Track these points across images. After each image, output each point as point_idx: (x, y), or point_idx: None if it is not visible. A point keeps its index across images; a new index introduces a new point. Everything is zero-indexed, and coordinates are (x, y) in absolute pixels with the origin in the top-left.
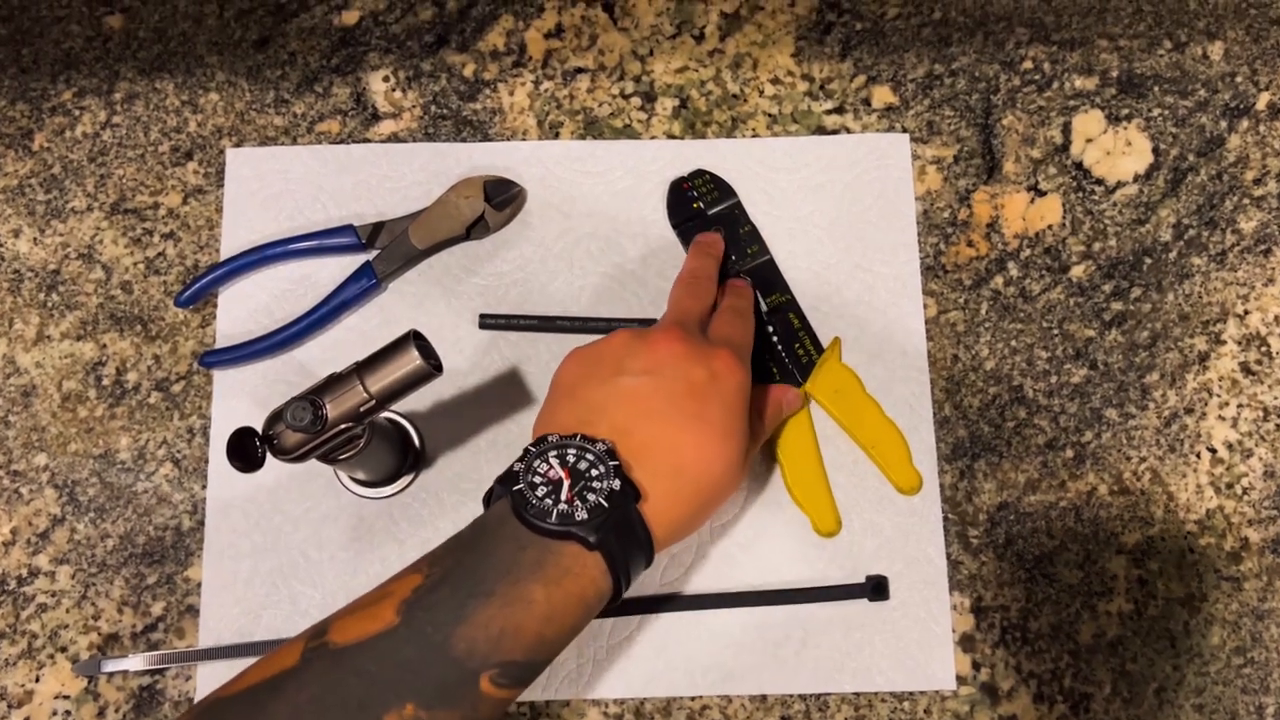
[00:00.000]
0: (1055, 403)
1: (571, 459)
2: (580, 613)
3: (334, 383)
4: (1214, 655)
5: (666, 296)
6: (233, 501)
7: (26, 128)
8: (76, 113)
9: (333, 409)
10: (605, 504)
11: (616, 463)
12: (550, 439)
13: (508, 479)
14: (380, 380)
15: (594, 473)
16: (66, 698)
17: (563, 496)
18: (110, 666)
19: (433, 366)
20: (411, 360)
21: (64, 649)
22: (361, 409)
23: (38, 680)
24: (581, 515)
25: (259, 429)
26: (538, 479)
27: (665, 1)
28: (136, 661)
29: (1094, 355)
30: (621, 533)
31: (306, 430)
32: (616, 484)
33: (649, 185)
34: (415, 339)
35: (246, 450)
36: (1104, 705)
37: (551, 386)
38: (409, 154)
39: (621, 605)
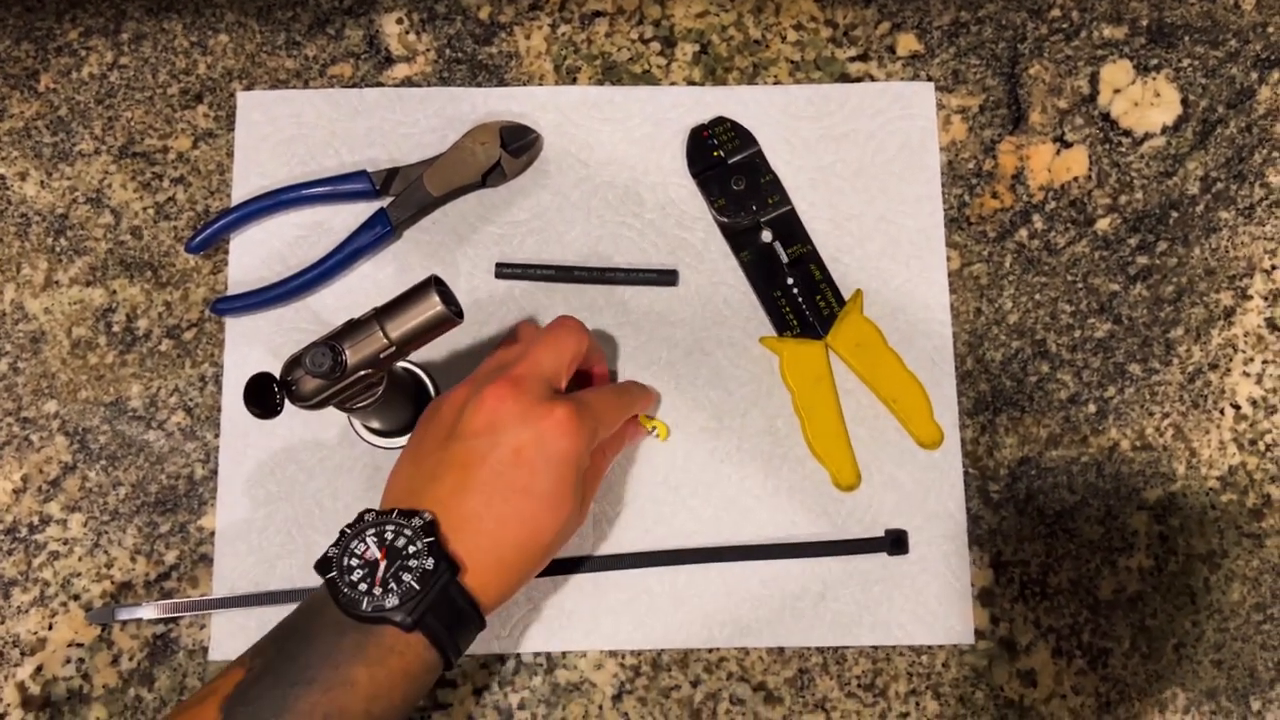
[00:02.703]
0: (1078, 357)
1: (390, 536)
2: (408, 687)
3: (353, 328)
4: (1234, 611)
5: (686, 247)
6: (246, 450)
7: (32, 68)
8: (83, 53)
9: (352, 355)
10: (417, 586)
11: (432, 539)
12: (366, 518)
13: (323, 565)
14: (401, 326)
15: (410, 549)
16: (80, 645)
17: (376, 580)
18: (124, 615)
19: (454, 312)
20: (433, 306)
21: (77, 597)
22: (381, 355)
23: (50, 628)
24: (393, 601)
25: (274, 374)
26: (354, 562)
27: None
28: (150, 610)
29: (1118, 310)
30: (441, 610)
31: (326, 376)
32: (430, 563)
33: (668, 133)
34: (436, 284)
35: (264, 396)
36: (1123, 660)
37: (409, 439)
38: (423, 99)
39: (638, 558)
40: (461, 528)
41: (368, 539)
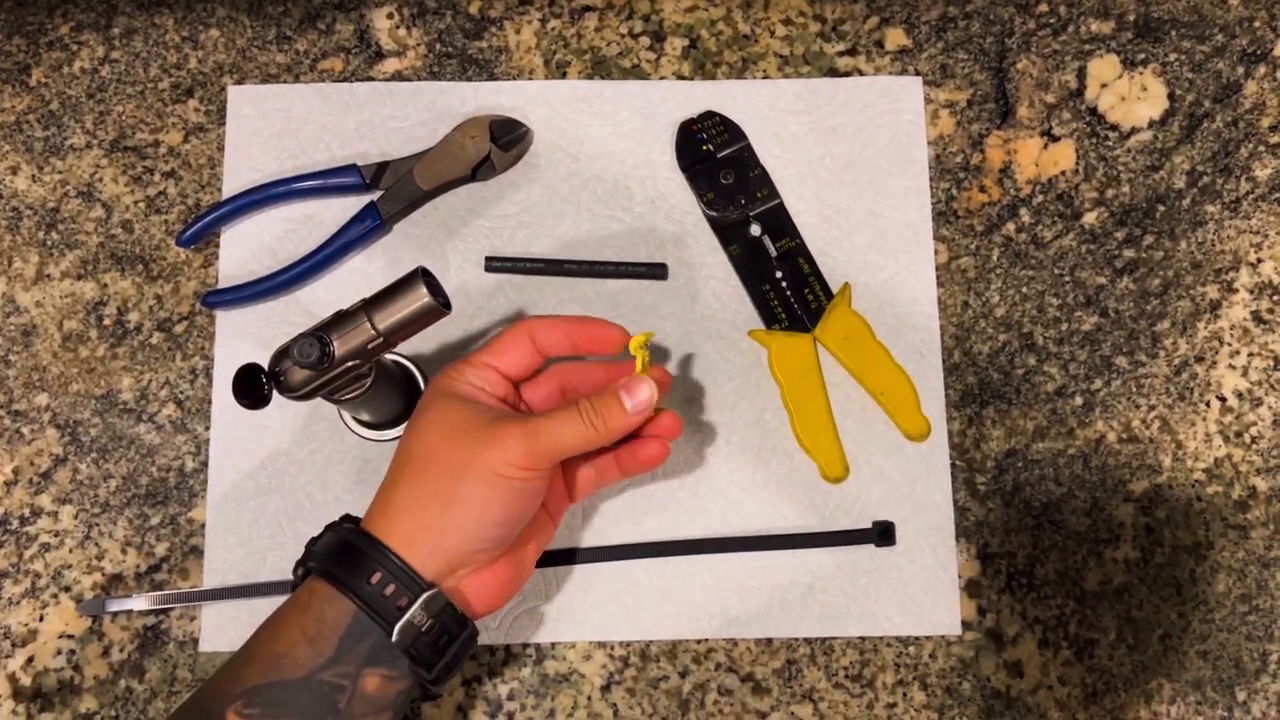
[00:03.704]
0: (1065, 350)
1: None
2: (332, 637)
3: (341, 319)
4: (1219, 603)
5: (675, 241)
6: (236, 443)
7: (23, 63)
8: (74, 48)
9: (340, 346)
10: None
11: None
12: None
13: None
14: (388, 318)
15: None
16: (71, 637)
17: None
18: (115, 606)
19: (441, 304)
20: (420, 297)
21: (68, 589)
22: (369, 346)
23: (41, 619)
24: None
25: (265, 366)
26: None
27: None
28: (141, 602)
29: (1105, 303)
30: (333, 553)
31: (314, 367)
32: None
33: (658, 127)
34: (424, 276)
35: (253, 387)
36: (1109, 651)
37: None
38: (413, 93)
39: (627, 549)
40: (384, 514)
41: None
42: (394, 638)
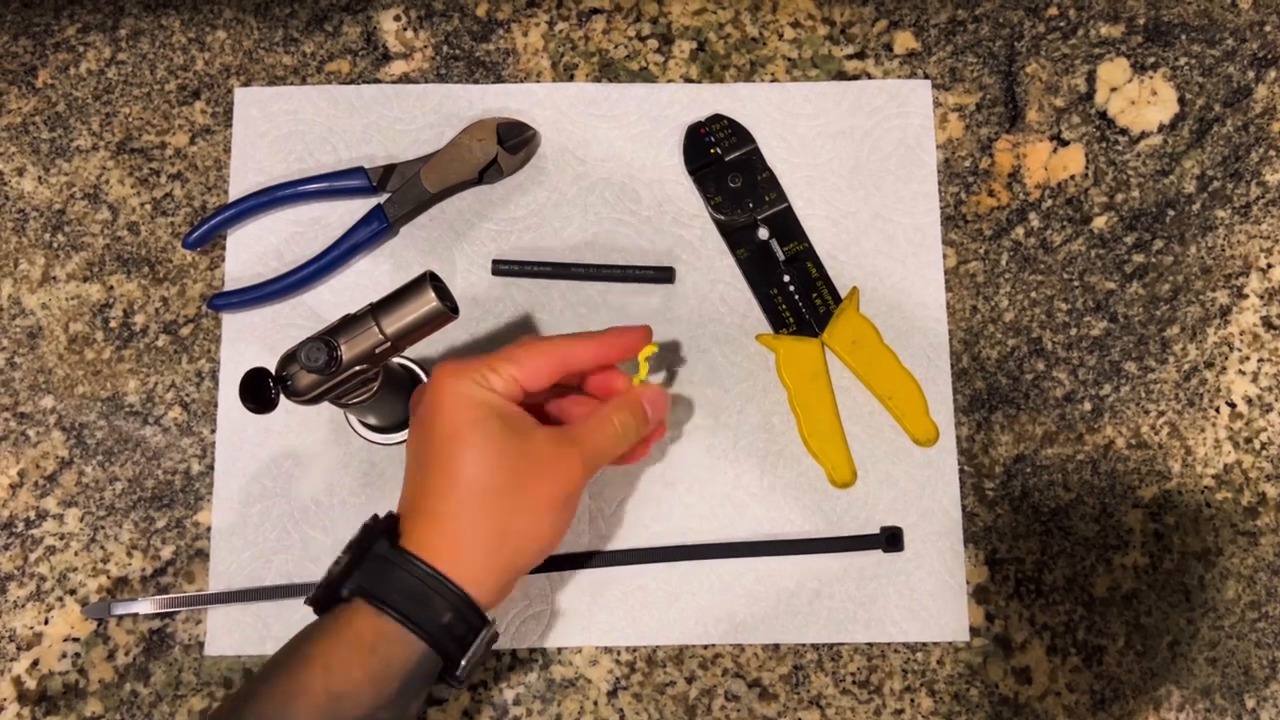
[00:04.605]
0: (1074, 355)
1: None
2: (369, 661)
3: (349, 324)
4: (1228, 609)
5: (682, 244)
6: (242, 446)
7: (30, 64)
8: (81, 49)
9: (347, 350)
10: (344, 554)
11: (371, 523)
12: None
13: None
14: (396, 322)
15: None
16: (76, 640)
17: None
18: (120, 610)
19: (449, 308)
20: (428, 301)
21: (73, 592)
22: (377, 350)
23: (47, 622)
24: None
25: (271, 370)
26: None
27: None
28: (146, 605)
29: (1114, 308)
30: (375, 572)
31: (321, 371)
32: (359, 534)
33: (665, 130)
34: (431, 280)
35: (260, 391)
36: (1117, 658)
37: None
38: (420, 95)
39: (634, 554)
40: (420, 516)
41: (339, 554)
42: (459, 673)
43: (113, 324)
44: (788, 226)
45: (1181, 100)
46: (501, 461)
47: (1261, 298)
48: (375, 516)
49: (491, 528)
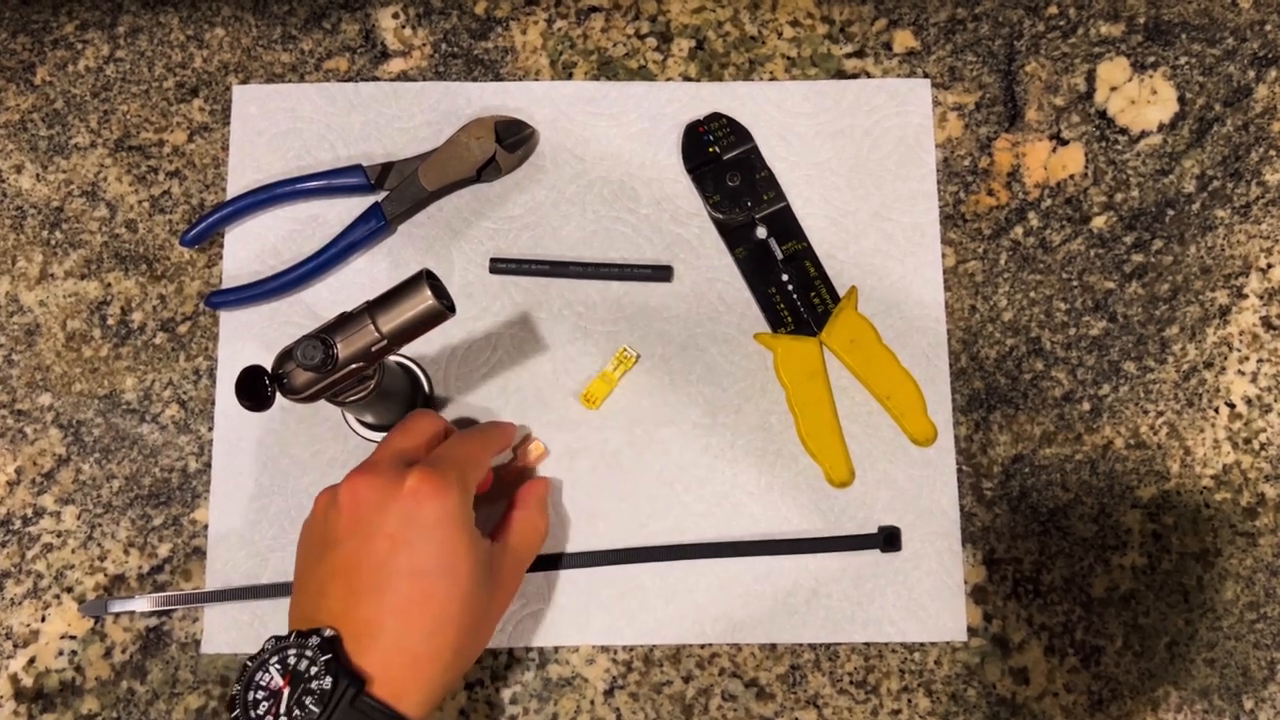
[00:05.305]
0: (1073, 355)
1: (292, 661)
2: None
3: (345, 322)
4: (1227, 610)
5: (681, 243)
6: (239, 444)
7: (28, 61)
8: (79, 46)
9: (344, 348)
10: (317, 710)
11: (329, 655)
12: (267, 647)
13: (229, 704)
14: (392, 320)
15: (311, 671)
16: (73, 638)
17: (280, 709)
18: (117, 607)
19: (445, 306)
20: (424, 300)
21: (70, 589)
22: (373, 349)
23: (44, 620)
24: None
25: (268, 368)
26: (260, 694)
27: None
28: (143, 603)
29: (1113, 307)
30: None
31: (317, 369)
32: (328, 682)
33: (664, 128)
34: (428, 278)
35: (256, 389)
36: (1115, 659)
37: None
38: (419, 93)
39: (631, 553)
40: (362, 636)
41: (270, 667)
42: None
43: (110, 321)
44: (786, 225)
45: (1181, 100)
46: (480, 594)
47: (1261, 298)
48: (330, 638)
49: (459, 664)
